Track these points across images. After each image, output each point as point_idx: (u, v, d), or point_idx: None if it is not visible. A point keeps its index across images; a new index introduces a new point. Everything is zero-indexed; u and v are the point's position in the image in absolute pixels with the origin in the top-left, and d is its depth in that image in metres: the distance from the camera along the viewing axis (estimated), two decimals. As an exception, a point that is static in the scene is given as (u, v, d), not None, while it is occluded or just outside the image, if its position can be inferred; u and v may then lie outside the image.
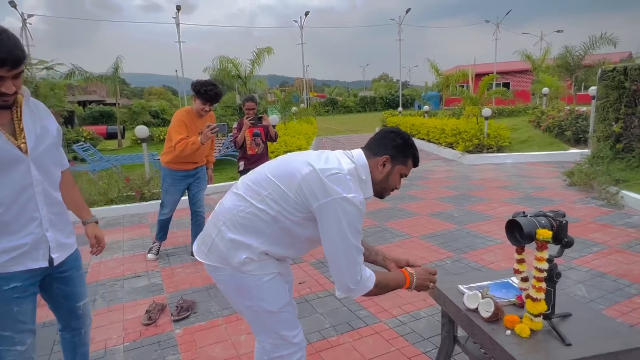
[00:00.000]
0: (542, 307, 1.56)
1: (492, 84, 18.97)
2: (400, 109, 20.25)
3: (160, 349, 2.57)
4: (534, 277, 1.58)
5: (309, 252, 2.33)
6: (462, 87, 17.26)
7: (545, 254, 1.56)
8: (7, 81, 1.38)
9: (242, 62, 16.69)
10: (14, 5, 15.20)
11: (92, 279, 3.71)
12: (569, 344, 1.50)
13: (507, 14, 26.98)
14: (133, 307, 3.14)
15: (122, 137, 17.08)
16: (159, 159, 6.57)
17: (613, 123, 6.48)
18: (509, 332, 1.59)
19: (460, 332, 2.12)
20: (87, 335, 1.95)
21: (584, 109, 9.88)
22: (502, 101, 19.40)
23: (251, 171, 1.62)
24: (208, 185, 4.24)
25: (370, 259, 1.73)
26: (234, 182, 1.72)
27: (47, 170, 1.60)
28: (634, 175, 5.79)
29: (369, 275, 1.49)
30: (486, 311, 1.67)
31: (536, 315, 1.57)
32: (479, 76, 14.62)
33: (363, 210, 1.43)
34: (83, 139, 12.66)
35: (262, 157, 4.33)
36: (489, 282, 1.95)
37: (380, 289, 1.53)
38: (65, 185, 1.84)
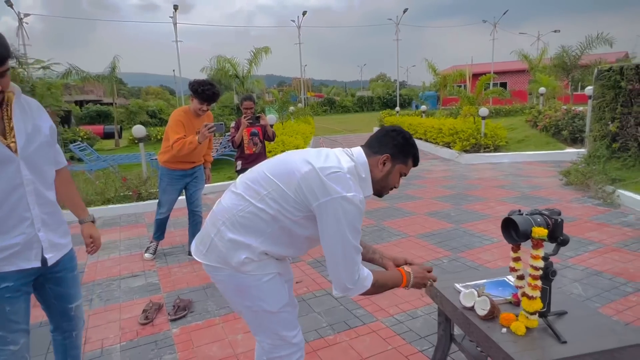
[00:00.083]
0: (538, 305, 1.57)
1: (489, 84, 19.01)
2: (397, 108, 20.28)
3: (157, 349, 2.57)
4: (530, 275, 1.59)
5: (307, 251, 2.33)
6: (460, 86, 17.28)
7: (540, 252, 1.57)
8: None
9: (240, 62, 16.69)
10: (10, 5, 15.15)
11: (88, 279, 3.70)
12: (565, 342, 1.50)
13: (504, 14, 27.08)
14: (130, 307, 3.14)
15: (119, 136, 17.04)
16: (156, 159, 6.56)
17: (609, 122, 6.51)
18: (504, 330, 1.60)
19: (457, 331, 2.13)
20: (79, 338, 1.91)
21: (581, 108, 9.92)
22: (499, 101, 19.43)
23: (249, 170, 1.61)
24: (206, 185, 4.24)
25: (368, 257, 1.72)
26: (231, 181, 1.71)
27: (39, 170, 1.57)
28: (630, 174, 5.82)
29: (366, 275, 1.49)
30: (482, 309, 1.68)
31: (532, 313, 1.58)
32: (476, 76, 14.67)
33: (363, 209, 1.42)
34: (80, 139, 12.61)
35: (259, 157, 4.33)
36: (485, 281, 1.96)
37: (377, 288, 1.53)
38: (62, 183, 1.83)
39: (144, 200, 6.16)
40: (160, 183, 3.95)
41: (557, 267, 1.62)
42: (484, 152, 9.13)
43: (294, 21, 25.27)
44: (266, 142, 4.57)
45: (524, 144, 9.66)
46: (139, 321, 2.88)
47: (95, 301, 3.27)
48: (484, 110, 9.30)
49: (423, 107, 16.35)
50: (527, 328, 1.58)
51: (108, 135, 17.76)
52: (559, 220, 1.59)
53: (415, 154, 1.59)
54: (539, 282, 1.57)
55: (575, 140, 9.06)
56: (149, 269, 3.88)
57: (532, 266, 1.58)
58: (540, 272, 1.57)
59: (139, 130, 6.55)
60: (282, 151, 1.66)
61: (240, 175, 1.62)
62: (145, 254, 4.13)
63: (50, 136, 1.63)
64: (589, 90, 7.67)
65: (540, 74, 16.78)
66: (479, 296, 1.73)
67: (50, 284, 1.71)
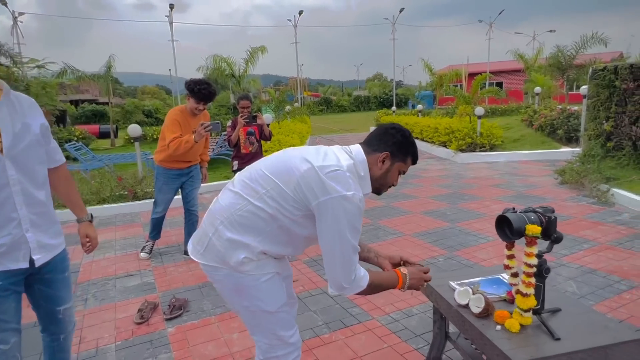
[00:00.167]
0: (532, 302, 1.58)
1: (485, 83, 19.07)
2: (394, 108, 20.30)
3: (153, 348, 2.56)
4: (524, 272, 1.60)
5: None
6: (456, 86, 17.32)
7: (534, 250, 1.58)
8: None
9: (236, 61, 16.67)
10: (4, 3, 15.05)
11: (84, 278, 3.68)
12: (558, 339, 1.51)
13: (499, 13, 27.16)
14: (125, 306, 3.13)
15: (115, 136, 16.97)
16: (152, 158, 6.54)
17: (604, 122, 6.54)
18: (499, 327, 1.61)
19: (452, 329, 2.14)
20: (68, 341, 1.86)
21: (576, 108, 9.97)
22: (495, 100, 19.51)
23: (247, 167, 1.59)
24: (202, 184, 4.23)
25: (363, 256, 1.71)
26: (227, 181, 1.70)
27: (28, 169, 1.54)
28: (624, 173, 5.85)
29: (362, 275, 1.48)
30: (477, 307, 1.69)
31: (526, 311, 1.59)
32: (472, 75, 14.68)
33: (362, 207, 1.41)
34: (75, 138, 12.54)
35: (256, 156, 4.32)
36: (479, 279, 1.97)
37: (373, 288, 1.52)
38: (60, 181, 1.82)
39: (139, 200, 6.14)
40: (156, 182, 3.93)
41: (551, 265, 1.63)
42: (480, 151, 9.16)
43: (290, 20, 25.26)
44: (262, 142, 4.56)
45: (519, 143, 9.70)
46: (135, 320, 2.87)
47: (90, 301, 3.26)
48: (479, 110, 9.34)
49: (419, 107, 16.40)
50: (521, 325, 1.59)
51: (104, 135, 17.67)
52: (553, 217, 1.60)
53: (414, 152, 1.58)
54: (532, 280, 1.58)
55: (570, 139, 9.10)
56: (145, 268, 3.87)
57: (526, 264, 1.59)
58: (534, 270, 1.58)
59: (134, 129, 6.53)
60: (277, 151, 1.64)
61: (238, 174, 1.59)
62: (141, 254, 4.12)
63: (40, 135, 1.59)
64: (583, 89, 7.70)
65: (536, 74, 16.85)
66: (473, 294, 1.74)
67: (39, 285, 1.68)
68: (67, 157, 10.07)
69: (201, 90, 3.53)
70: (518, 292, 1.62)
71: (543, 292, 1.63)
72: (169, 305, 2.98)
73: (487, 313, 1.67)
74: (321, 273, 3.51)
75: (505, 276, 1.91)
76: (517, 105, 16.82)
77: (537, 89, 14.05)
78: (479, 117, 9.34)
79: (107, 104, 20.63)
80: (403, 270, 1.62)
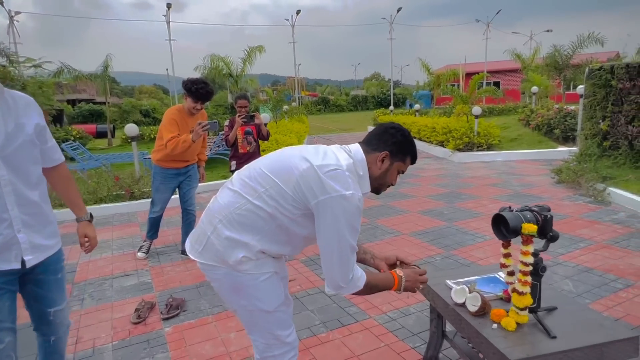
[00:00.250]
0: (528, 300, 1.59)
1: (482, 83, 19.11)
2: (391, 107, 20.33)
3: (150, 347, 2.56)
4: (520, 270, 1.60)
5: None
6: (453, 86, 17.35)
7: (530, 248, 1.58)
8: None
9: (234, 61, 16.65)
10: (0, 3, 14.98)
11: (80, 278, 3.67)
12: (554, 337, 1.52)
13: (497, 13, 27.21)
14: (122, 306, 3.12)
15: (112, 136, 16.93)
16: (149, 158, 6.53)
17: (600, 121, 6.56)
18: (495, 325, 1.61)
19: (449, 327, 2.15)
20: (60, 343, 1.84)
21: (572, 107, 10.00)
22: (492, 100, 19.55)
23: (246, 166, 1.58)
24: (199, 184, 4.22)
25: (359, 257, 1.70)
26: (225, 180, 1.68)
27: (20, 170, 1.53)
28: (620, 172, 5.88)
29: (360, 275, 1.49)
30: (473, 305, 1.69)
31: (522, 309, 1.59)
32: (469, 75, 14.73)
33: (361, 207, 1.41)
34: (72, 138, 12.51)
35: (253, 156, 4.32)
36: (476, 277, 1.97)
37: (369, 289, 1.52)
38: (58, 180, 1.80)
39: (136, 199, 6.13)
40: (154, 182, 3.93)
41: (548, 264, 1.64)
42: (477, 150, 9.18)
43: (287, 20, 25.23)
44: (260, 141, 4.56)
45: (516, 143, 9.73)
46: (131, 320, 2.86)
47: (87, 300, 3.25)
48: (477, 109, 9.35)
49: (417, 106, 16.40)
50: (518, 323, 1.60)
51: (101, 135, 17.63)
52: (549, 216, 1.61)
53: (413, 151, 1.58)
54: (529, 278, 1.59)
55: (567, 138, 9.13)
56: (142, 268, 3.86)
57: (522, 262, 1.60)
58: (530, 268, 1.59)
59: (131, 129, 6.51)
60: (275, 150, 1.63)
61: (237, 172, 1.59)
62: (138, 253, 4.11)
63: (34, 135, 1.57)
64: (580, 89, 7.73)
65: (533, 73, 16.90)
66: (470, 292, 1.74)
67: (31, 285, 1.67)
68: (64, 157, 10.06)
69: (198, 90, 3.52)
70: (514, 290, 1.62)
71: (539, 290, 1.63)
72: (166, 305, 2.98)
73: (483, 312, 1.67)
74: (318, 272, 3.51)
75: (502, 275, 1.92)
76: (514, 104, 16.86)
77: (534, 89, 14.09)
78: (476, 117, 9.36)
79: (104, 103, 20.55)
80: (399, 272, 1.62)
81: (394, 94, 30.42)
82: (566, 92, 16.85)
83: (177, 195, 4.05)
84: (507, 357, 1.43)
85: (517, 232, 1.60)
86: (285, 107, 16.20)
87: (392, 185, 1.61)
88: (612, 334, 1.54)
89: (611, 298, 2.85)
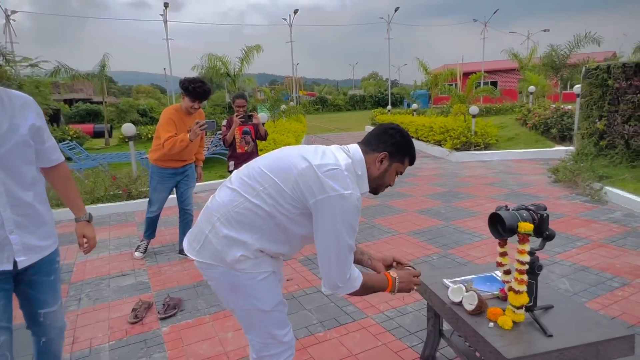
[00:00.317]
0: (524, 299, 1.59)
1: (479, 83, 19.14)
2: (389, 107, 20.34)
3: (147, 347, 2.55)
4: (516, 269, 1.61)
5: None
6: (451, 85, 17.37)
7: (526, 247, 1.59)
8: None
9: (231, 60, 16.60)
10: (-4, 2, 14.91)
11: (77, 278, 3.67)
12: (550, 335, 1.53)
13: (494, 13, 27.27)
14: (119, 306, 3.11)
15: (110, 135, 16.87)
16: (146, 157, 6.51)
17: (597, 120, 6.59)
18: (492, 324, 1.62)
19: (446, 326, 2.15)
20: (51, 345, 1.82)
21: (569, 106, 10.02)
22: (489, 99, 19.55)
23: (244, 165, 1.59)
24: (197, 183, 4.22)
25: (356, 258, 1.70)
26: (223, 180, 1.68)
27: (13, 171, 1.52)
28: (616, 171, 5.90)
29: (357, 275, 1.49)
30: (470, 304, 1.70)
31: (518, 308, 1.60)
32: (467, 75, 14.71)
33: (359, 207, 1.42)
34: (69, 138, 12.46)
35: (251, 156, 4.31)
36: (473, 276, 1.98)
37: (365, 290, 1.53)
38: (57, 180, 1.79)
39: (134, 199, 6.12)
40: (151, 181, 3.92)
41: (545, 263, 1.65)
42: (475, 150, 9.20)
43: (285, 19, 25.23)
44: (258, 141, 4.55)
45: (513, 142, 9.75)
46: (129, 320, 2.86)
47: (84, 300, 3.24)
48: (474, 109, 9.37)
49: (414, 106, 16.42)
50: (514, 322, 1.60)
51: (98, 134, 17.57)
52: (545, 215, 1.61)
53: (412, 153, 1.59)
54: (525, 277, 1.59)
55: (563, 138, 9.16)
56: (139, 267, 3.85)
57: (518, 261, 1.60)
58: (527, 267, 1.59)
59: (128, 128, 6.49)
60: (273, 150, 1.63)
61: (236, 171, 1.59)
62: (136, 253, 4.10)
63: (28, 136, 1.56)
64: (577, 88, 7.75)
65: (530, 73, 16.91)
66: (467, 291, 1.75)
67: (24, 285, 1.66)
68: (61, 157, 10.03)
69: (196, 89, 3.52)
70: (511, 289, 1.62)
71: (535, 289, 1.64)
72: (163, 305, 2.97)
73: (480, 310, 1.68)
74: (316, 272, 3.51)
75: (499, 274, 1.92)
76: (511, 104, 16.90)
77: (531, 88, 14.12)
78: (474, 116, 9.37)
79: (101, 103, 20.49)
80: (392, 273, 1.62)
81: (392, 94, 30.45)
82: (563, 92, 16.91)
83: (175, 195, 4.04)
84: (503, 355, 1.43)
85: (513, 231, 1.60)
86: (283, 106, 16.20)
87: (390, 185, 1.62)
88: (607, 332, 1.54)
89: (607, 296, 2.86)
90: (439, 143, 10.12)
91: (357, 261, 1.71)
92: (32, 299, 1.70)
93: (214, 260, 1.48)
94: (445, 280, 1.96)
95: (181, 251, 4.04)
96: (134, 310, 2.94)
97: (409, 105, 23.07)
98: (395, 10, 24.99)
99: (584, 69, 7.01)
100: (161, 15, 19.08)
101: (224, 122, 4.42)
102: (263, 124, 4.70)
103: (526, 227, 1.57)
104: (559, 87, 16.81)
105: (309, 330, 2.64)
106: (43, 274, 1.69)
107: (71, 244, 4.30)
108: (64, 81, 18.56)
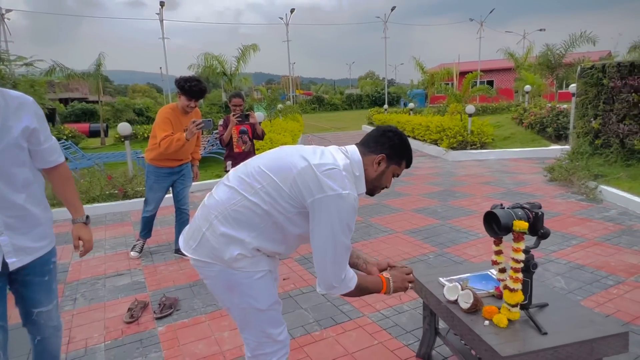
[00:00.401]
0: (519, 297, 1.60)
1: (476, 82, 19.18)
2: (386, 106, 20.34)
3: (142, 347, 2.55)
4: (511, 267, 1.61)
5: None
6: (447, 84, 17.41)
7: (521, 245, 1.60)
8: None
9: (228, 59, 16.58)
10: (-9, 0, 14.81)
11: (73, 278, 3.65)
12: (545, 333, 1.53)
13: (490, 12, 27.32)
14: (115, 306, 3.10)
15: (105, 135, 16.80)
16: (142, 157, 6.48)
17: (592, 119, 6.62)
18: (487, 322, 1.62)
19: (442, 325, 2.16)
20: (46, 344, 1.81)
21: (565, 106, 10.06)
22: (485, 99, 19.64)
23: (242, 163, 1.58)
24: (193, 183, 4.21)
25: (352, 262, 1.70)
26: (219, 179, 1.67)
27: (4, 173, 1.51)
28: (611, 170, 5.93)
29: (352, 276, 1.50)
30: (465, 302, 1.70)
31: (513, 306, 1.61)
32: (463, 74, 14.75)
33: (356, 207, 1.43)
34: (65, 137, 12.41)
35: (248, 155, 4.29)
36: (468, 275, 1.99)
37: (359, 291, 1.54)
38: (55, 181, 1.78)
39: (130, 199, 6.10)
40: (147, 181, 3.91)
41: (540, 261, 1.65)
42: (471, 149, 9.23)
43: (282, 19, 25.19)
44: (255, 141, 4.54)
45: (509, 141, 9.78)
46: (124, 320, 2.85)
47: (79, 300, 3.23)
48: (470, 108, 9.39)
49: (411, 105, 16.46)
50: (509, 320, 1.61)
51: (94, 134, 17.48)
52: (540, 213, 1.62)
53: (409, 156, 1.60)
54: (520, 275, 1.60)
55: (559, 137, 9.20)
56: (135, 267, 3.84)
57: (513, 259, 1.61)
58: (522, 265, 1.60)
59: (124, 127, 6.46)
60: (270, 149, 1.63)
61: (233, 169, 1.59)
62: (131, 252, 4.09)
63: (21, 138, 1.54)
64: (572, 88, 7.79)
65: (526, 72, 16.98)
66: (462, 290, 1.75)
67: (18, 285, 1.66)
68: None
69: (192, 88, 3.51)
70: (506, 287, 1.63)
71: (530, 287, 1.65)
72: (159, 304, 2.97)
73: (475, 308, 1.68)
74: (312, 271, 3.51)
75: (494, 272, 1.93)
76: (507, 103, 16.93)
77: (527, 88, 14.16)
78: (470, 115, 9.40)
79: (97, 102, 20.41)
80: (386, 274, 1.63)
81: (389, 93, 30.48)
82: (559, 91, 16.99)
83: (171, 195, 4.03)
84: (498, 353, 1.44)
85: (508, 229, 1.61)
86: (280, 105, 16.17)
87: (386, 187, 1.63)
88: (602, 329, 1.55)
89: (602, 294, 2.88)
90: (435, 142, 10.14)
91: (352, 265, 1.71)
92: (26, 298, 1.70)
93: (210, 258, 1.48)
94: (441, 278, 1.96)
95: (177, 250, 4.04)
96: (129, 309, 2.93)
97: (405, 105, 23.09)
98: (392, 10, 24.99)
99: (579, 68, 7.05)
100: (157, 14, 19.00)
101: (221, 122, 4.41)
102: (260, 123, 4.69)
103: (521, 225, 1.57)
104: (554, 86, 16.89)
105: (305, 329, 2.64)
106: (37, 274, 1.68)
107: (66, 243, 4.28)
108: (60, 80, 18.48)
